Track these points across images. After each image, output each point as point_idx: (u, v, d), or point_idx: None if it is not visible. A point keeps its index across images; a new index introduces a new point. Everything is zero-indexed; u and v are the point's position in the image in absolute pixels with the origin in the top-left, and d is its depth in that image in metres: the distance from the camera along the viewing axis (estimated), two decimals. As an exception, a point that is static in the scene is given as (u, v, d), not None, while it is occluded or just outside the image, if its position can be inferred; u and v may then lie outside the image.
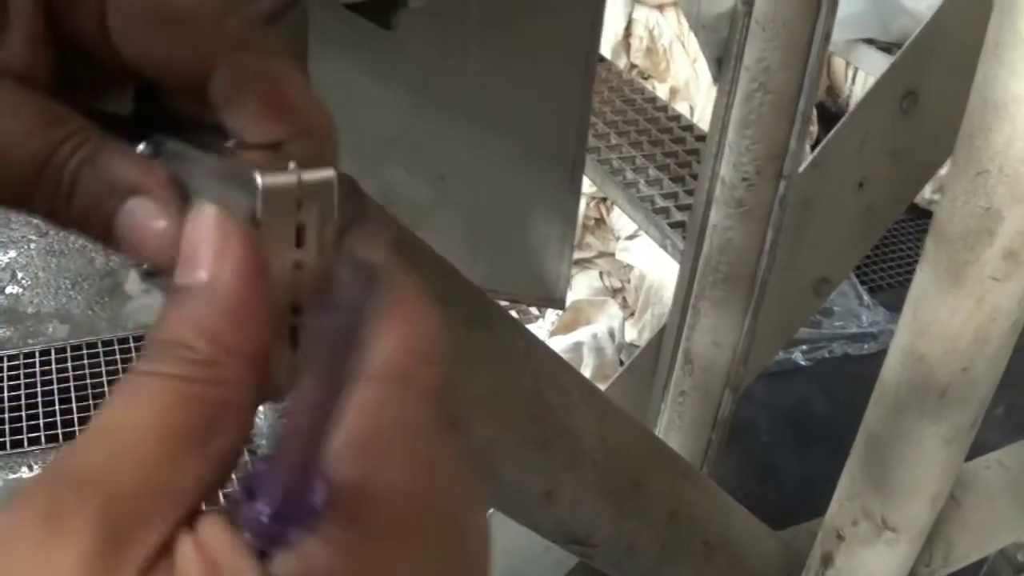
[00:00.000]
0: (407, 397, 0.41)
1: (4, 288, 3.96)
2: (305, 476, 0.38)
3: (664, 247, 2.20)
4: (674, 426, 2.02)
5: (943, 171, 1.95)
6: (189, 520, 0.37)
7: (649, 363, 2.09)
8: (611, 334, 3.53)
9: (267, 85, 0.45)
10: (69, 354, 3.66)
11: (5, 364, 3.60)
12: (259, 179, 0.41)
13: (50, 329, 3.80)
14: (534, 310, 3.47)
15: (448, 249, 1.16)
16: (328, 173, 0.43)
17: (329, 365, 0.37)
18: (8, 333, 3.76)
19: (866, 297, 4.07)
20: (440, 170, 1.42)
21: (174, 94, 0.47)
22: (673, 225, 2.17)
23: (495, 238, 1.48)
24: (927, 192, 4.02)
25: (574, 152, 1.41)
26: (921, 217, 4.31)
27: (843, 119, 1.87)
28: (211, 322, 0.39)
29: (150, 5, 0.44)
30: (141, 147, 0.45)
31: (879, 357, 1.32)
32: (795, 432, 3.58)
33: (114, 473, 0.36)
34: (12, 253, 4.13)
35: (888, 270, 4.37)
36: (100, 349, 3.69)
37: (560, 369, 1.27)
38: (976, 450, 1.53)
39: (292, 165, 0.43)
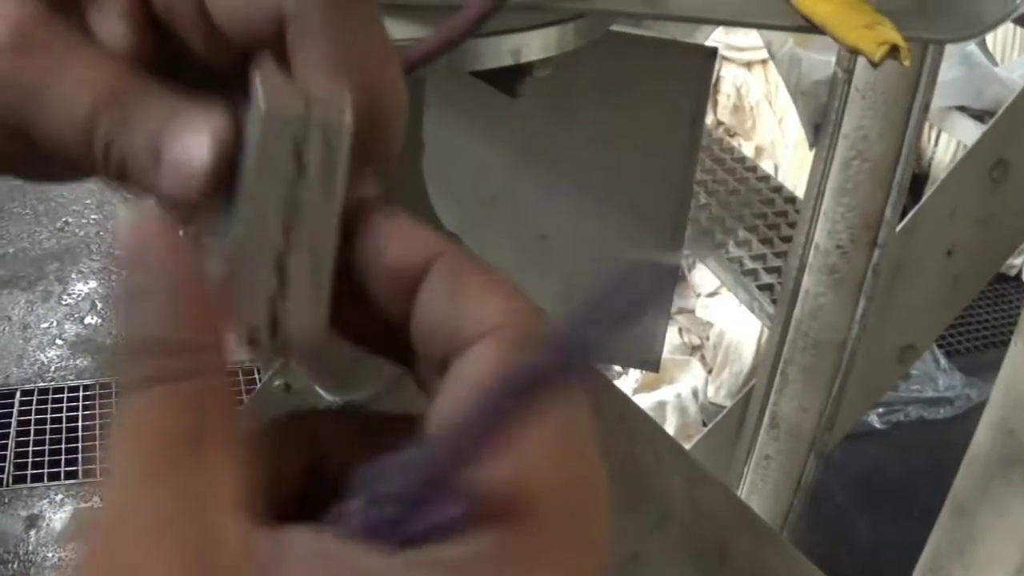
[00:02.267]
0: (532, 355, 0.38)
1: (83, 318, 4.00)
2: (444, 485, 0.36)
3: (752, 309, 2.20)
4: (756, 489, 2.01)
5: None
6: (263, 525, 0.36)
7: (734, 425, 2.09)
8: (695, 393, 3.52)
9: (334, 34, 0.43)
10: (81, 394, 3.68)
11: (81, 394, 3.63)
12: (262, 104, 0.40)
13: (76, 363, 3.82)
14: (616, 368, 3.47)
15: (546, 308, 1.17)
16: (340, 111, 0.41)
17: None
18: (86, 363, 3.79)
19: (943, 361, 4.04)
20: (541, 229, 1.42)
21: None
22: (761, 287, 2.17)
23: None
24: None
25: (676, 216, 1.42)
26: (1000, 282, 4.27)
27: (934, 187, 1.87)
28: (162, 316, 0.37)
29: None
30: (262, 106, 0.42)
31: (955, 422, 1.32)
32: (869, 495, 3.55)
33: (145, 507, 0.36)
34: (92, 283, 4.17)
35: (966, 334, 4.33)
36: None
37: (652, 431, 1.27)
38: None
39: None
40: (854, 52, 0.69)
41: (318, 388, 1.02)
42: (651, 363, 1.54)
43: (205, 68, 0.46)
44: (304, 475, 0.43)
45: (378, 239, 0.43)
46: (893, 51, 0.68)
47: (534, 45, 0.82)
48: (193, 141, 0.41)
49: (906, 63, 0.67)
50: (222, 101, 0.43)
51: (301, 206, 0.42)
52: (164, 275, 0.38)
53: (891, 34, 0.69)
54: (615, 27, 1.12)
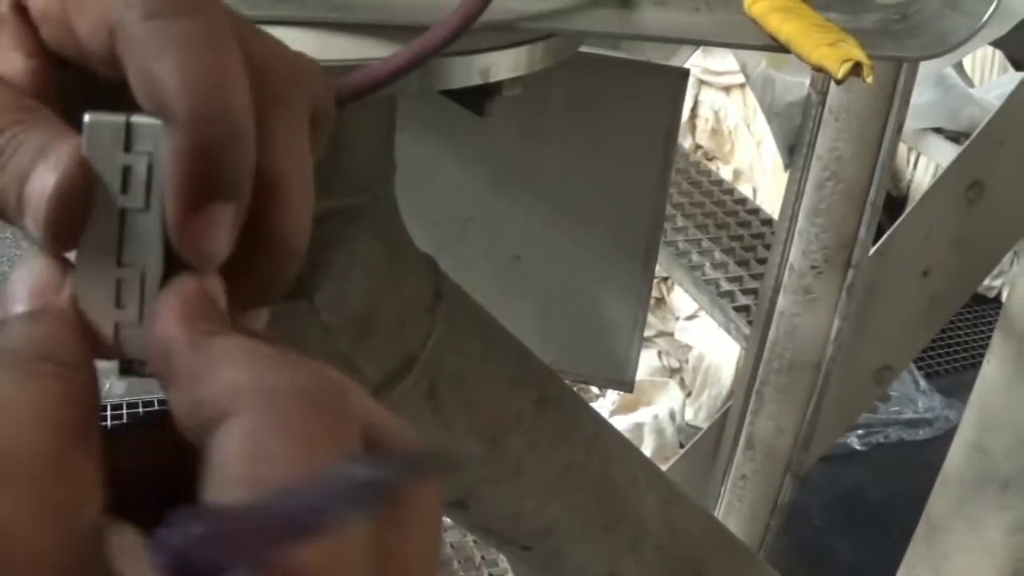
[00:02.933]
0: (284, 414, 0.37)
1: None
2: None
3: (728, 330, 2.21)
4: (733, 509, 2.02)
5: (1006, 258, 1.95)
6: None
7: (710, 446, 2.10)
8: (672, 415, 3.53)
9: (145, 57, 0.41)
10: (125, 411, 3.68)
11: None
12: (86, 116, 0.41)
13: (107, 386, 3.81)
14: (594, 389, 3.47)
15: (520, 329, 1.17)
16: (155, 120, 0.41)
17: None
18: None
19: (922, 383, 4.05)
20: (516, 251, 1.43)
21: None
22: (738, 309, 2.17)
23: (567, 319, 1.50)
24: (986, 279, 4.01)
25: (648, 237, 1.42)
26: (978, 303, 4.29)
27: (909, 208, 1.88)
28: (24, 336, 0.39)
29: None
30: (86, 118, 0.43)
31: (934, 443, 1.33)
32: (848, 516, 3.55)
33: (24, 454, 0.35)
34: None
35: (945, 356, 4.35)
36: (156, 408, 3.72)
37: (628, 452, 1.27)
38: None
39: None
40: (818, 70, 0.70)
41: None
42: (625, 384, 1.55)
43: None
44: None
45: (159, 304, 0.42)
46: (856, 68, 0.69)
47: (503, 65, 0.82)
48: (43, 177, 0.41)
49: (868, 80, 0.68)
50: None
51: (128, 223, 0.42)
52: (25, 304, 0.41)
53: (854, 51, 0.69)
54: (589, 49, 1.13)
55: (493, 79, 0.81)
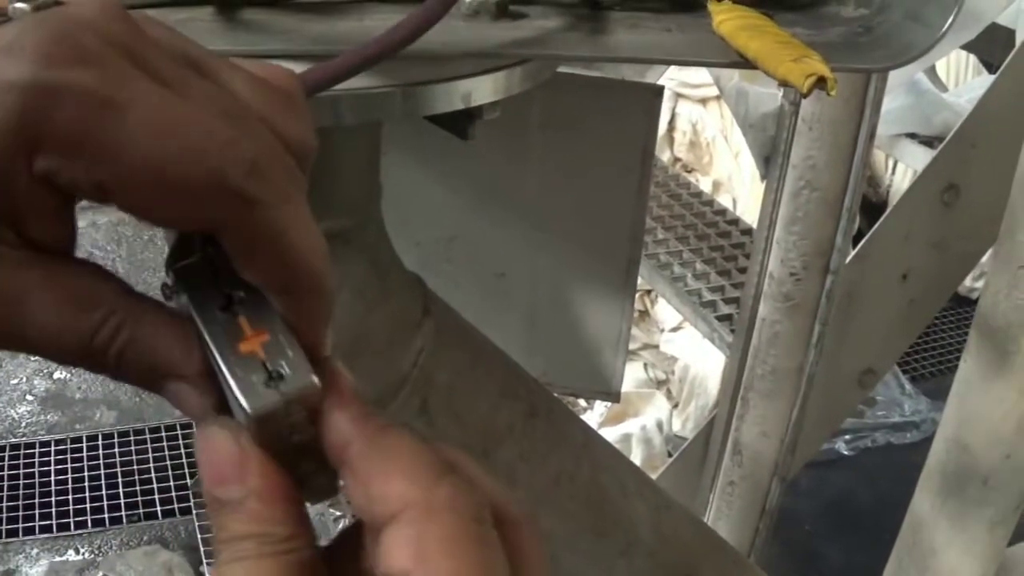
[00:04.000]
0: (438, 522, 0.44)
1: (52, 373, 4.00)
2: None
3: (712, 340, 2.23)
4: (722, 515, 2.03)
5: (983, 260, 1.97)
6: None
7: (698, 453, 2.12)
8: (659, 426, 3.54)
9: (267, 238, 0.46)
10: (116, 440, 3.68)
11: (53, 448, 3.63)
12: (247, 407, 0.46)
13: (98, 415, 3.82)
14: (582, 402, 3.48)
15: (507, 344, 1.20)
16: (310, 383, 0.46)
17: None
18: (56, 418, 3.79)
19: (908, 386, 4.07)
20: (499, 268, 1.45)
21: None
22: (720, 318, 2.19)
23: (552, 333, 1.52)
24: (967, 280, 4.02)
25: (629, 251, 1.44)
26: (961, 306, 4.31)
27: (886, 213, 1.90)
28: (257, 519, 0.45)
29: (146, 178, 0.44)
30: (170, 301, 0.49)
31: (922, 446, 1.35)
32: (838, 521, 3.57)
33: None
34: (61, 341, 4.17)
35: (930, 359, 4.36)
36: (147, 436, 3.72)
37: (617, 460, 1.29)
38: (1020, 535, 1.54)
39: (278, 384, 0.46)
40: (784, 85, 0.72)
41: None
42: (612, 394, 1.57)
43: None
44: None
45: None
46: (820, 82, 0.71)
47: (484, 89, 0.85)
48: (195, 404, 0.48)
49: (832, 93, 0.71)
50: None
51: (301, 447, 0.48)
52: (257, 492, 0.46)
53: (818, 66, 0.72)
54: (565, 69, 1.15)
55: (475, 103, 0.84)
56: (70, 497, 3.44)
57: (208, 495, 0.46)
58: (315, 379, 0.46)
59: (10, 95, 0.42)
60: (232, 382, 0.46)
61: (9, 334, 0.46)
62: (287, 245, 0.47)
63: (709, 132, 4.08)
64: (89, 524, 3.35)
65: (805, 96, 0.71)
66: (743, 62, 0.79)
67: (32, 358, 3.99)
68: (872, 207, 4.23)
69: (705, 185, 3.95)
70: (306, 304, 0.48)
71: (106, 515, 3.39)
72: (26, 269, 0.46)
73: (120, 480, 3.51)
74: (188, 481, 3.40)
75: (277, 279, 0.47)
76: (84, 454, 3.62)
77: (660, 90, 1.38)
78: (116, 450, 3.64)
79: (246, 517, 0.45)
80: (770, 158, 1.77)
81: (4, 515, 3.36)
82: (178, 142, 0.44)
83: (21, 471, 3.53)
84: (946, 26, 0.81)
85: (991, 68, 3.89)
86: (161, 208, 0.45)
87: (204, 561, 3.04)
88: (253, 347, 0.47)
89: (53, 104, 0.43)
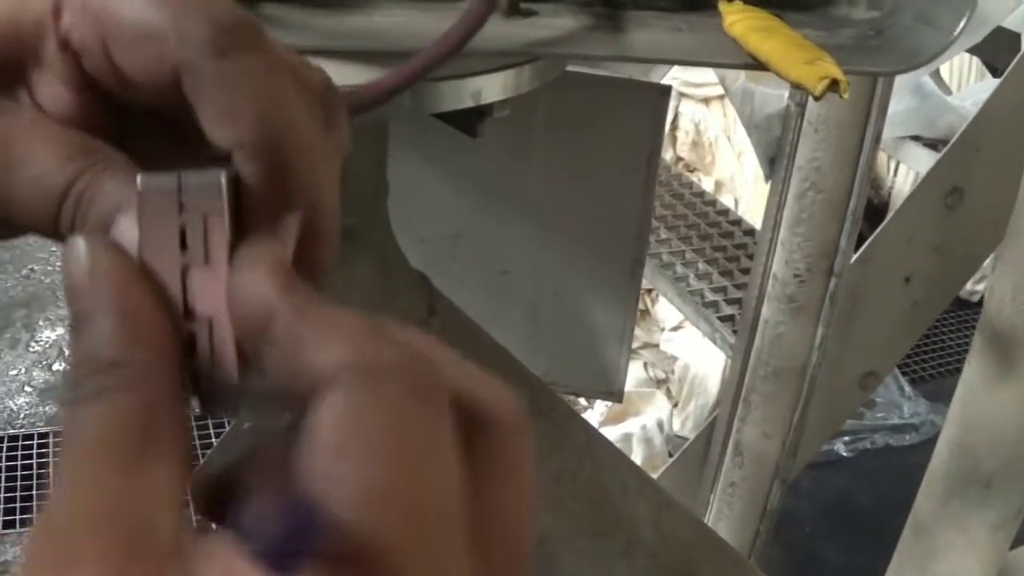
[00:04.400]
0: (379, 408, 0.39)
1: (51, 365, 4.00)
2: (287, 503, 0.38)
3: (713, 340, 2.22)
4: (723, 516, 2.03)
5: (985, 263, 1.97)
6: (197, 536, 0.38)
7: (699, 454, 2.12)
8: (660, 425, 3.54)
9: (226, 87, 0.44)
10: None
11: (51, 440, 3.62)
12: (138, 180, 0.42)
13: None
14: (582, 401, 3.48)
15: (510, 342, 1.19)
16: (213, 174, 0.43)
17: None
18: (55, 409, 3.79)
19: (907, 388, 4.06)
20: (504, 265, 1.45)
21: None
22: (722, 319, 2.19)
23: (556, 332, 1.52)
24: (969, 283, 4.02)
25: (634, 250, 1.44)
26: (962, 308, 4.30)
27: (890, 216, 1.90)
28: (103, 336, 0.40)
29: (135, 29, 0.44)
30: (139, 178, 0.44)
31: (921, 448, 1.35)
32: (837, 522, 3.57)
33: (92, 504, 0.37)
34: (60, 330, 4.17)
35: (929, 361, 4.36)
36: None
37: (618, 460, 1.29)
38: (1022, 539, 1.54)
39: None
40: (797, 87, 0.72)
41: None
42: (614, 394, 1.57)
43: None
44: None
45: (233, 284, 0.43)
46: (833, 85, 0.71)
47: (493, 87, 0.85)
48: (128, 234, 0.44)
49: (845, 96, 0.70)
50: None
51: (192, 278, 0.43)
52: (108, 300, 0.41)
53: (831, 69, 0.72)
54: (571, 67, 1.15)
55: (484, 101, 0.84)
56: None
57: (69, 316, 0.41)
58: (222, 173, 0.43)
59: None
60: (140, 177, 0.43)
61: (10, 172, 0.46)
62: (249, 96, 0.44)
63: (712, 132, 4.08)
64: (86, 516, 3.35)
65: (818, 99, 0.71)
66: (755, 63, 0.79)
67: (32, 349, 4.00)
68: (874, 209, 4.22)
69: (707, 185, 3.94)
70: (269, 184, 0.45)
71: (102, 508, 3.38)
72: (39, 121, 0.47)
73: (118, 473, 3.50)
74: (186, 475, 3.40)
75: (232, 128, 0.44)
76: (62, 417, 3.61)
77: (667, 89, 1.38)
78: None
79: (93, 335, 0.40)
80: (775, 159, 1.77)
81: (1, 507, 3.35)
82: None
83: (19, 463, 3.52)
84: (958, 30, 0.81)
85: (995, 72, 3.90)
86: (142, 61, 0.45)
87: (201, 555, 3.03)
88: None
89: None
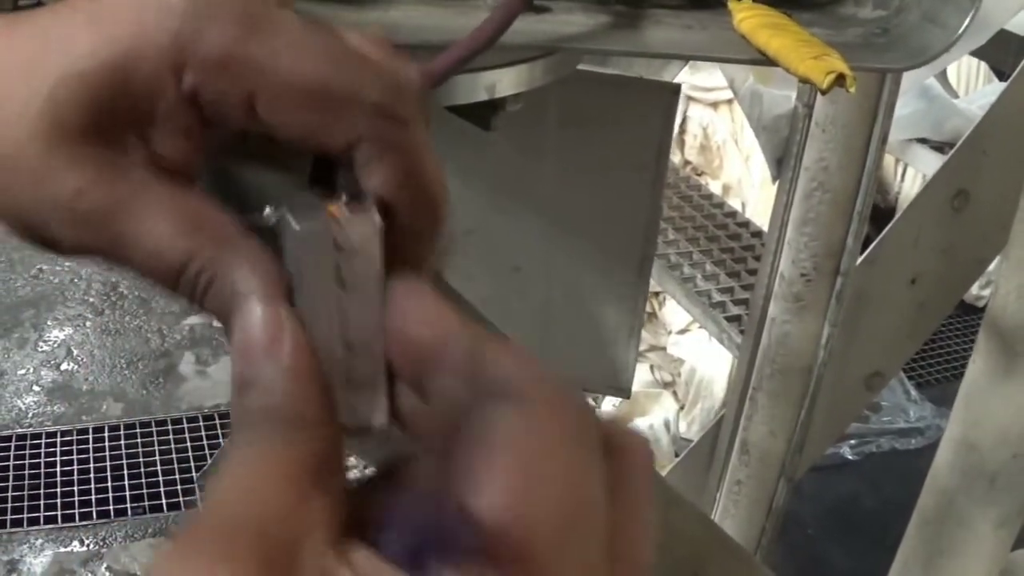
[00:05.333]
0: (550, 424, 0.43)
1: (59, 364, 4.01)
2: (445, 511, 0.42)
3: (721, 340, 2.23)
4: (729, 514, 2.04)
5: (991, 267, 1.98)
6: (340, 553, 0.42)
7: (705, 452, 2.13)
8: (666, 425, 3.55)
9: (401, 154, 0.48)
10: (123, 432, 3.69)
11: (59, 439, 3.64)
12: (294, 224, 0.45)
13: (104, 407, 3.83)
14: (590, 400, 3.48)
15: (520, 338, 1.21)
16: (369, 216, 0.46)
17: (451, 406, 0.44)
18: (63, 409, 3.80)
19: (914, 392, 4.07)
20: (515, 262, 1.46)
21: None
22: (729, 319, 2.20)
23: (565, 328, 1.53)
24: (975, 288, 4.03)
25: (643, 248, 1.46)
26: (968, 313, 4.30)
27: (896, 217, 1.91)
28: (286, 399, 0.44)
29: (295, 88, 0.47)
30: (267, 212, 0.48)
31: (926, 452, 1.36)
32: (842, 526, 3.57)
33: (258, 517, 0.41)
34: (68, 330, 4.18)
35: (936, 366, 4.36)
36: (154, 429, 3.72)
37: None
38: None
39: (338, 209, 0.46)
40: (804, 81, 0.73)
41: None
42: (622, 389, 1.58)
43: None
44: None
45: (398, 314, 0.47)
46: (840, 79, 0.73)
47: (507, 81, 0.86)
48: (259, 333, 0.47)
49: (851, 90, 0.72)
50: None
51: (348, 313, 0.46)
52: (290, 364, 0.45)
53: (838, 64, 0.73)
54: (582, 66, 1.16)
55: (498, 95, 0.85)
56: (75, 488, 3.44)
57: (236, 378, 0.45)
58: (377, 216, 0.46)
59: (168, 15, 0.47)
60: (289, 213, 0.46)
61: (114, 243, 0.48)
62: (416, 162, 0.49)
63: (720, 136, 4.08)
64: (94, 516, 3.36)
65: (824, 93, 0.73)
66: (764, 59, 0.80)
67: (40, 348, 4.02)
68: (881, 213, 4.21)
69: (715, 189, 3.94)
70: (420, 224, 0.50)
71: (111, 507, 3.40)
72: (152, 185, 0.48)
73: (126, 472, 3.52)
74: (194, 474, 3.41)
75: (402, 192, 0.49)
76: (90, 446, 3.62)
77: (677, 88, 1.39)
78: (122, 442, 3.64)
79: (270, 395, 0.45)
80: (782, 160, 1.78)
81: (9, 505, 3.37)
82: (324, 56, 0.47)
83: (27, 461, 3.54)
84: (963, 28, 0.82)
85: (1002, 76, 3.90)
86: (304, 118, 0.48)
87: (209, 554, 3.04)
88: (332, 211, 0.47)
89: (208, 22, 0.46)
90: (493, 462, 0.42)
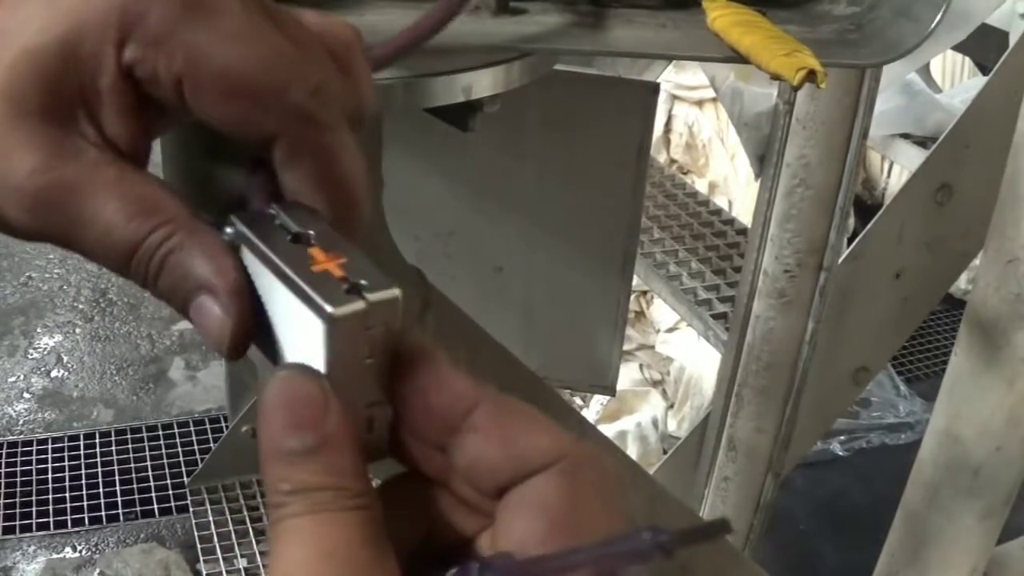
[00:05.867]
0: (589, 471, 0.49)
1: (49, 371, 4.00)
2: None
3: (707, 338, 2.24)
4: (717, 511, 2.05)
5: (977, 261, 1.99)
6: None
7: (693, 450, 2.13)
8: (654, 423, 3.55)
9: (318, 157, 0.51)
10: (114, 438, 3.68)
11: (50, 446, 3.63)
12: (328, 307, 0.46)
13: (95, 413, 3.82)
14: (578, 399, 3.49)
15: (504, 338, 1.21)
16: (392, 293, 0.47)
17: None
18: (53, 416, 3.79)
19: (903, 388, 4.07)
20: (497, 262, 1.47)
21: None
22: (715, 316, 2.20)
23: (549, 327, 1.53)
24: (962, 283, 4.02)
25: (625, 246, 1.46)
26: (957, 308, 4.29)
27: (880, 212, 1.91)
28: (332, 469, 0.46)
29: (221, 79, 0.48)
30: (227, 231, 0.51)
31: (916, 447, 1.36)
32: (833, 521, 3.57)
33: None
34: (58, 337, 4.17)
35: (925, 361, 4.37)
36: (144, 434, 3.71)
37: (613, 452, 1.31)
38: (1015, 532, 1.56)
39: (364, 293, 0.48)
40: (776, 78, 0.74)
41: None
42: (607, 387, 1.59)
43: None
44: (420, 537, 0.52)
45: (423, 389, 0.50)
46: (811, 75, 0.73)
47: (484, 82, 0.87)
48: (215, 321, 0.50)
49: (822, 86, 0.73)
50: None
51: (369, 379, 0.49)
52: (341, 440, 0.47)
53: (809, 60, 0.74)
54: (562, 66, 1.17)
55: (475, 96, 0.86)
56: (67, 495, 3.44)
57: (273, 444, 0.47)
58: (398, 291, 0.48)
59: None
60: (309, 289, 0.47)
61: (66, 225, 0.49)
62: (332, 164, 0.51)
63: (705, 134, 4.08)
64: (86, 522, 3.35)
65: (796, 89, 0.73)
66: (736, 57, 0.81)
67: (30, 355, 4.01)
68: (868, 210, 4.23)
69: (700, 187, 3.94)
70: (343, 224, 0.51)
71: (103, 513, 3.39)
72: (102, 166, 0.50)
73: (117, 478, 3.51)
74: (185, 479, 3.40)
75: (319, 195, 0.51)
76: (81, 452, 3.61)
77: (656, 87, 1.40)
78: (113, 448, 3.64)
79: (321, 467, 0.46)
80: (764, 157, 1.79)
81: (1, 512, 3.36)
82: (254, 52, 0.49)
83: (18, 468, 3.53)
84: (935, 22, 0.83)
85: (985, 70, 3.91)
86: (226, 109, 0.49)
87: (201, 559, 3.03)
88: (329, 267, 0.48)
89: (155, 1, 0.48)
90: (556, 523, 0.47)
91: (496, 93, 0.88)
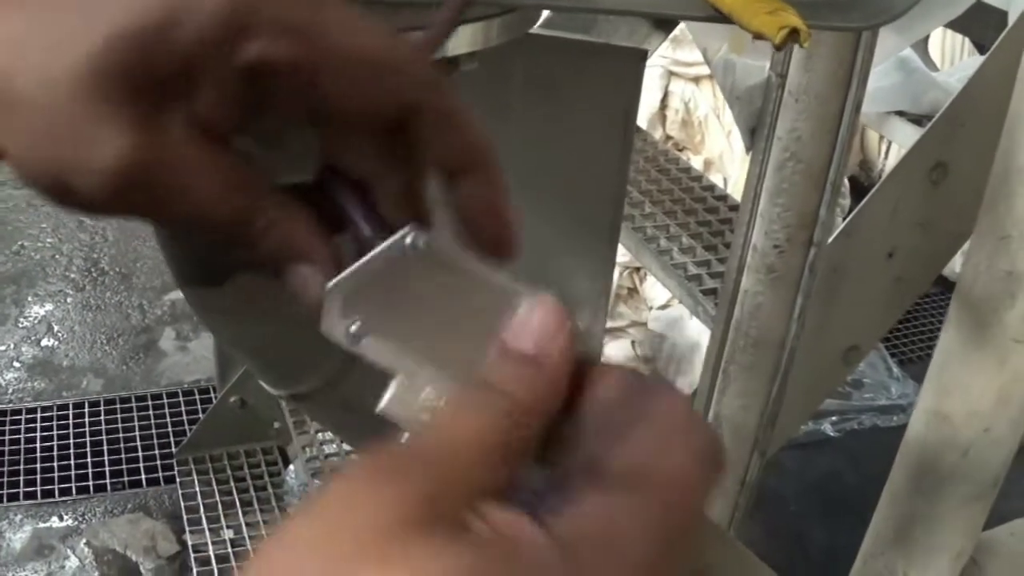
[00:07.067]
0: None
1: (40, 340, 4.00)
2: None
3: (696, 314, 2.23)
4: (702, 488, 2.03)
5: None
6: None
7: (679, 426, 2.12)
8: (644, 400, 3.54)
9: (456, 119, 0.55)
10: (103, 408, 3.68)
11: (39, 415, 3.63)
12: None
13: (84, 383, 3.82)
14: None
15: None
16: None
17: None
18: (43, 385, 3.79)
19: (895, 369, 4.07)
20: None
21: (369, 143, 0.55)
22: (705, 292, 2.20)
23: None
24: (956, 265, 4.02)
25: (612, 215, 1.45)
26: (950, 290, 4.28)
27: (874, 189, 1.90)
28: (532, 387, 0.49)
29: (355, 59, 0.51)
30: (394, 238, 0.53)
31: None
32: (823, 502, 3.57)
33: (443, 461, 0.45)
34: (48, 306, 4.17)
35: (918, 342, 4.37)
36: (134, 404, 3.71)
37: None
38: (1003, 518, 1.55)
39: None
40: (758, 37, 0.72)
41: (263, 383, 1.05)
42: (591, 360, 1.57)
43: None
44: None
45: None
46: (793, 34, 0.71)
47: (461, 40, 0.85)
48: (312, 291, 0.53)
49: (805, 45, 0.71)
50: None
51: None
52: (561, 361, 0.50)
53: (792, 19, 0.72)
54: (549, 31, 1.15)
55: (451, 54, 0.84)
56: (55, 464, 3.44)
57: (517, 349, 0.50)
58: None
59: None
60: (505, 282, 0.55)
61: (154, 201, 0.51)
62: (469, 123, 0.56)
63: (701, 111, 4.07)
64: (73, 491, 3.35)
65: (778, 48, 0.72)
66: (718, 16, 0.79)
67: (21, 324, 4.01)
68: (865, 190, 4.20)
69: (697, 164, 3.94)
70: (491, 176, 0.58)
71: (90, 483, 3.39)
72: (193, 145, 0.51)
73: (105, 448, 3.51)
74: (172, 450, 3.40)
75: (464, 156, 0.56)
76: (70, 421, 3.62)
77: (644, 54, 1.38)
78: (102, 418, 3.64)
79: (542, 382, 0.49)
80: (756, 130, 1.77)
81: (-10, 481, 3.37)
82: (375, 31, 0.53)
83: (7, 437, 3.53)
84: (926, -14, 0.81)
85: (983, 51, 3.89)
86: (363, 88, 0.52)
87: (187, 529, 3.04)
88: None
89: None
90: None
91: (473, 51, 0.86)
